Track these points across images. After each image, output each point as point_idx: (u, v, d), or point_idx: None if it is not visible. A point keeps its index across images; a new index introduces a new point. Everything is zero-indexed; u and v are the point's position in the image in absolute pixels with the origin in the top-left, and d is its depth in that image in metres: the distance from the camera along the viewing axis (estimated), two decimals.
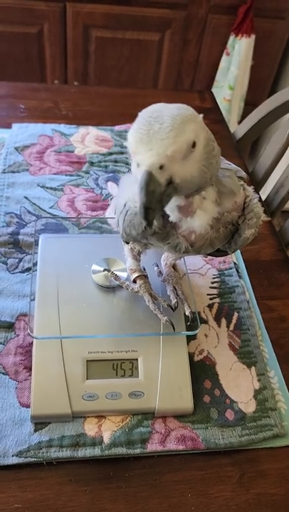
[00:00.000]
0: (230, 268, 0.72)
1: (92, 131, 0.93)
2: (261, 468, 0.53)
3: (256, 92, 1.97)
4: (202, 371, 0.59)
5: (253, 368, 0.60)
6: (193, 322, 0.58)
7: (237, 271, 0.72)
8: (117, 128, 0.95)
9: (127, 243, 0.58)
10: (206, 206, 0.46)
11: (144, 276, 0.58)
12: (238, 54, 1.76)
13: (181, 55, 1.83)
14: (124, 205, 0.51)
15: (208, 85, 1.92)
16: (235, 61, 1.77)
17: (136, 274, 0.58)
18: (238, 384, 0.59)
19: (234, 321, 0.65)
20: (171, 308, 0.58)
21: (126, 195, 0.51)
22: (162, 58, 1.83)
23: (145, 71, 1.86)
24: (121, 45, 1.76)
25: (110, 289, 0.60)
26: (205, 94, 1.12)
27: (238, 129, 1.03)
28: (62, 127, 0.93)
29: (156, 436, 0.53)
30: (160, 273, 0.62)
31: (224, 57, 1.81)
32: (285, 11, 1.76)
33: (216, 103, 1.10)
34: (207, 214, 0.46)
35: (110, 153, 0.89)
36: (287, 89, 0.91)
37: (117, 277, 0.59)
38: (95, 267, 0.61)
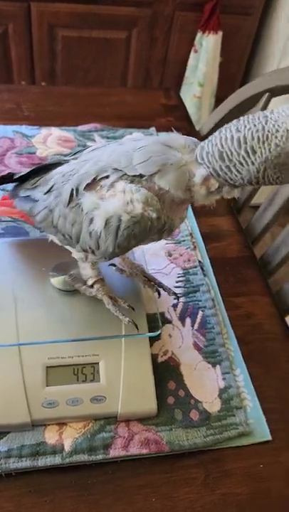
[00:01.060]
0: (195, 267, 0.71)
1: (55, 132, 0.91)
2: (226, 468, 0.52)
3: (226, 88, 1.96)
4: (166, 372, 0.58)
5: (218, 366, 0.60)
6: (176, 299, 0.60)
7: (202, 269, 0.71)
8: (80, 128, 0.93)
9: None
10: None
11: (100, 279, 0.57)
12: (206, 51, 1.76)
13: (149, 53, 1.83)
14: (108, 222, 0.46)
15: (178, 83, 1.92)
16: (204, 58, 1.77)
17: (93, 280, 0.56)
18: (203, 384, 0.58)
19: (199, 320, 0.64)
20: (176, 297, 0.61)
21: (105, 209, 0.46)
22: (130, 57, 1.82)
23: (113, 70, 1.85)
24: (88, 44, 1.75)
25: (70, 292, 0.59)
26: (170, 92, 1.11)
27: (203, 126, 1.03)
28: (24, 128, 0.91)
29: (119, 440, 0.52)
30: (122, 270, 0.61)
31: (192, 55, 1.81)
32: (251, 7, 1.77)
33: (181, 100, 1.09)
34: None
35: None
36: (252, 84, 0.91)
37: (74, 280, 0.58)
38: (53, 271, 0.60)
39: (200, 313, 0.65)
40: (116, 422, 0.53)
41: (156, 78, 1.92)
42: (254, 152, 0.40)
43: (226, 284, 0.71)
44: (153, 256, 0.71)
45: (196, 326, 0.64)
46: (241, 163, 0.41)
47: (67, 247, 0.55)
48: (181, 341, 0.62)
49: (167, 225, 0.48)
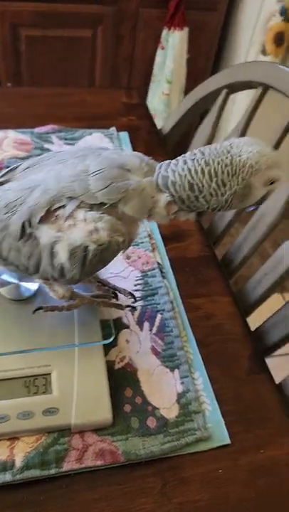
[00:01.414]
0: (154, 269, 0.70)
1: (11, 135, 0.89)
2: (184, 475, 0.51)
3: (195, 85, 1.93)
4: (123, 379, 0.57)
5: (176, 370, 0.59)
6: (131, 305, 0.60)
7: (161, 271, 0.70)
8: (37, 130, 0.91)
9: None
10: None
11: (71, 290, 0.54)
12: (173, 47, 1.74)
13: (115, 51, 1.80)
14: (74, 253, 0.45)
15: (146, 80, 1.90)
16: (170, 55, 1.76)
17: (68, 294, 0.53)
18: (161, 389, 0.57)
19: (157, 323, 0.63)
20: (133, 298, 0.61)
21: (68, 241, 0.45)
22: (96, 55, 1.80)
23: (80, 69, 1.82)
24: (52, 43, 1.72)
25: (19, 301, 0.57)
26: (131, 91, 1.09)
27: (165, 124, 1.01)
28: None
29: (73, 453, 0.50)
30: (53, 308, 0.57)
31: (159, 52, 1.80)
32: (216, 2, 1.76)
33: (143, 99, 1.08)
34: None
35: (30, 157, 0.85)
36: (209, 81, 0.90)
37: (51, 308, 0.55)
38: (1, 279, 0.58)
39: (158, 316, 0.64)
40: (70, 434, 0.52)
41: (124, 76, 1.90)
42: (224, 185, 0.44)
43: (185, 286, 0.70)
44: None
45: (154, 329, 0.63)
46: (211, 194, 0.45)
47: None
48: (138, 346, 0.61)
49: (127, 241, 0.49)
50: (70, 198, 0.45)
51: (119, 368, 0.58)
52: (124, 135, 0.94)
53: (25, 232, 0.45)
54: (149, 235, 0.74)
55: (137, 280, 0.68)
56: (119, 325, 0.62)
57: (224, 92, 0.85)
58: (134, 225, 0.49)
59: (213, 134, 0.90)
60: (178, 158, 0.47)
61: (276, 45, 1.60)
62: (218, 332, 0.65)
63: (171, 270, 0.71)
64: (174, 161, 0.47)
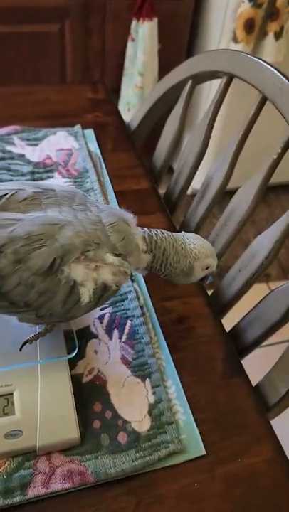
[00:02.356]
0: None
1: None
2: (158, 492, 0.49)
3: None
4: (92, 393, 0.54)
5: (147, 380, 0.56)
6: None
7: (130, 275, 0.67)
8: None
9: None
10: None
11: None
12: (143, 39, 1.70)
13: (85, 45, 1.76)
14: (95, 292, 0.47)
15: (119, 73, 1.86)
16: (141, 47, 1.72)
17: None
18: (132, 401, 0.54)
19: (127, 330, 0.61)
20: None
21: (95, 280, 0.47)
22: (66, 50, 1.75)
23: (50, 65, 1.78)
24: (19, 39, 1.67)
25: None
26: (98, 86, 1.06)
27: (133, 118, 0.98)
28: None
29: (39, 477, 0.47)
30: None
31: (130, 44, 1.75)
32: None
33: (110, 94, 1.04)
34: None
35: None
36: (174, 72, 0.87)
37: (37, 336, 0.53)
38: None
39: (128, 323, 0.61)
40: (35, 456, 0.49)
41: (97, 70, 1.86)
42: (178, 261, 0.55)
43: (157, 288, 0.67)
44: None
45: (124, 337, 0.60)
46: (170, 264, 0.55)
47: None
48: (108, 356, 0.58)
49: None
50: (98, 245, 0.47)
51: (87, 382, 0.55)
52: (90, 132, 0.91)
53: (54, 268, 0.44)
54: None
55: None
56: (87, 335, 0.59)
57: (190, 82, 0.82)
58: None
59: (182, 126, 0.87)
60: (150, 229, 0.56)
61: (247, 33, 1.56)
62: (191, 335, 0.62)
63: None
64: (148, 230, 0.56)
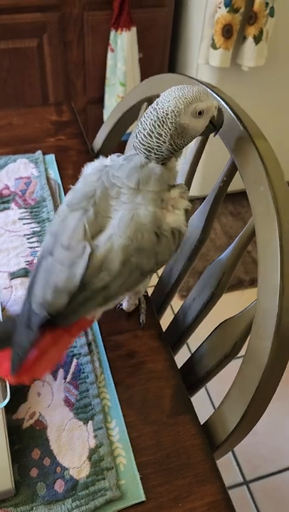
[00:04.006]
0: None
1: None
2: None
3: None
4: (31, 439, 0.53)
5: (90, 422, 0.55)
6: None
7: None
8: None
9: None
10: None
11: None
12: (122, 49, 1.69)
13: (64, 57, 1.75)
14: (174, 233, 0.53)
15: (101, 84, 1.85)
16: (121, 57, 1.71)
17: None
18: (72, 446, 0.53)
19: (72, 369, 0.60)
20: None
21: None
22: (45, 64, 1.75)
23: (31, 80, 1.77)
24: None
25: None
26: (62, 107, 1.05)
27: (96, 140, 0.97)
28: None
29: None
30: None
31: (109, 54, 1.74)
32: None
33: (75, 115, 1.03)
34: None
35: None
36: (131, 94, 0.85)
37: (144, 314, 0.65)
38: None
39: (74, 361, 0.60)
40: None
41: (79, 82, 1.85)
42: (160, 135, 0.52)
43: (108, 322, 0.66)
44: None
45: (68, 377, 0.59)
46: (159, 146, 0.52)
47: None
48: (51, 399, 0.57)
49: None
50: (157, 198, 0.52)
51: (27, 427, 0.54)
52: (51, 158, 0.90)
53: (158, 237, 0.52)
54: None
55: None
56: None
57: (145, 104, 0.81)
58: None
59: None
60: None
61: (225, 38, 1.54)
62: (140, 371, 0.61)
63: None
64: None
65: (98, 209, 0.51)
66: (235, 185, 0.64)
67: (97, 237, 0.50)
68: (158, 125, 0.51)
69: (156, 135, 0.52)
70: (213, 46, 1.58)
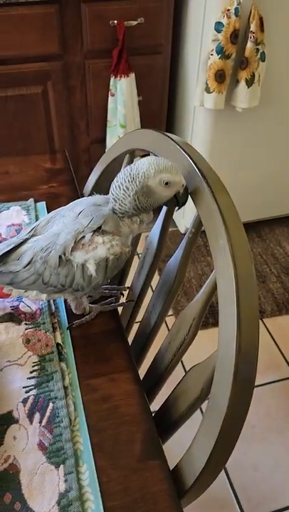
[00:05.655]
0: (52, 352, 0.69)
1: None
2: None
3: (153, 125, 1.99)
4: (4, 484, 0.56)
5: (61, 466, 0.57)
6: None
7: (60, 353, 0.69)
8: None
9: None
10: None
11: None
12: (122, 94, 1.77)
13: (68, 102, 1.84)
14: (99, 265, 0.63)
15: (103, 126, 1.94)
16: (121, 101, 1.79)
17: (88, 304, 0.74)
18: (43, 490, 0.55)
19: (48, 413, 0.62)
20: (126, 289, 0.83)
21: (94, 257, 0.63)
22: (50, 108, 1.84)
23: (37, 123, 1.86)
24: (4, 102, 1.76)
25: None
26: (57, 155, 1.11)
27: (86, 187, 1.02)
28: None
29: None
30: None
31: (110, 98, 1.83)
32: (158, 45, 1.79)
33: (68, 163, 1.09)
34: None
35: None
36: (115, 145, 0.90)
37: (80, 322, 0.73)
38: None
39: (50, 405, 0.63)
40: None
41: (82, 124, 1.94)
42: (127, 188, 0.61)
43: (85, 365, 0.69)
44: (10, 346, 0.70)
45: (44, 421, 0.62)
46: (124, 197, 0.61)
47: (55, 295, 0.69)
48: (25, 443, 0.59)
49: (129, 250, 0.66)
50: (82, 232, 0.62)
51: (1, 471, 0.57)
52: (42, 205, 0.95)
53: (62, 261, 0.63)
54: (53, 313, 0.74)
55: (34, 366, 0.67)
56: (9, 420, 0.61)
57: (127, 156, 0.85)
58: (128, 238, 0.66)
59: None
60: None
61: (218, 82, 1.61)
62: (114, 415, 0.63)
63: (72, 349, 0.70)
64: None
65: (43, 222, 0.68)
66: None
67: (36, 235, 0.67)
68: (128, 180, 0.61)
69: (124, 188, 0.61)
70: (207, 90, 1.65)
